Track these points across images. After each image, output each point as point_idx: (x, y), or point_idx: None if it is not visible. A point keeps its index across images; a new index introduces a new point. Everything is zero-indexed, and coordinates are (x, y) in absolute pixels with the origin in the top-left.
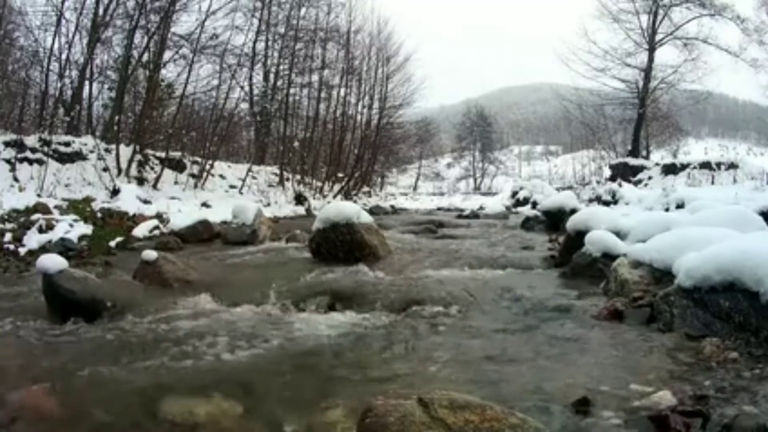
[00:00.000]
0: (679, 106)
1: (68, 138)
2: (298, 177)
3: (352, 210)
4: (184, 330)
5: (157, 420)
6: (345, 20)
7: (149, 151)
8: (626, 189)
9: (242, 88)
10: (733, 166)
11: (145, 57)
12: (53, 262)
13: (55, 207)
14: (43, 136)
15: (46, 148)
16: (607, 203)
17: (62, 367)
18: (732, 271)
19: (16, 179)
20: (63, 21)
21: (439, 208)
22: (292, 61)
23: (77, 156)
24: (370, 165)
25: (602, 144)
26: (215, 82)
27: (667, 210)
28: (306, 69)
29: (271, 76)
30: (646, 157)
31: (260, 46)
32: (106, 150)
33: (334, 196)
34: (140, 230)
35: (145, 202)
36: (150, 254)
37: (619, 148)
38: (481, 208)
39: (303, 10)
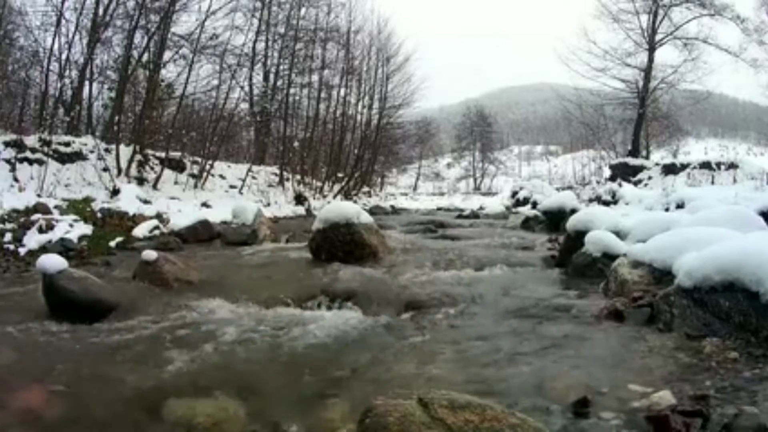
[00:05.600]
0: (679, 106)
1: (68, 138)
2: (298, 177)
3: (352, 210)
4: (184, 330)
5: (157, 420)
6: (345, 20)
7: (149, 151)
8: (626, 189)
9: (242, 88)
10: (733, 166)
11: (145, 57)
12: (53, 262)
13: (55, 207)
14: (43, 136)
15: (46, 148)
16: (607, 203)
17: (62, 367)
18: (732, 271)
19: (16, 179)
20: (63, 21)
21: (439, 208)
22: (292, 61)
23: (77, 156)
24: (370, 165)
25: (602, 144)
26: (215, 82)
27: (667, 210)
28: (306, 69)
29: (271, 76)
30: (646, 157)
31: (260, 46)
32: (106, 150)
33: (334, 196)
34: (140, 230)
35: (145, 202)
36: (150, 254)
37: (619, 148)
38: (481, 208)
39: (303, 10)
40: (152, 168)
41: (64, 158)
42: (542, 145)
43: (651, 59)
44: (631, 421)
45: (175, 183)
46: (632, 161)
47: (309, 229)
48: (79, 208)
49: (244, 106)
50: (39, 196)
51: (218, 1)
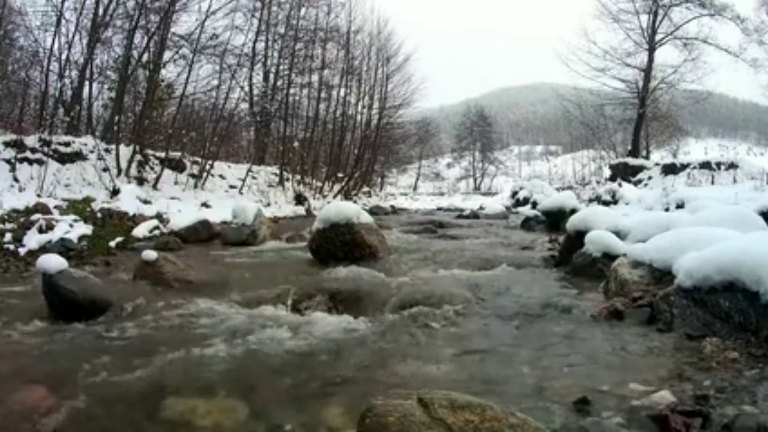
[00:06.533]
0: (679, 106)
1: (68, 138)
2: (298, 177)
3: (352, 210)
4: (184, 330)
5: (157, 420)
6: (345, 20)
7: (149, 151)
8: (626, 189)
9: (242, 88)
10: (733, 166)
11: (145, 57)
12: (53, 262)
13: (55, 207)
14: (43, 136)
15: (46, 148)
16: (607, 203)
17: (62, 367)
18: (732, 271)
19: (16, 179)
20: (63, 21)
21: (439, 208)
22: (292, 61)
23: (77, 156)
24: (370, 165)
25: (602, 144)
26: (215, 82)
27: (667, 210)
28: (306, 69)
29: (271, 76)
30: (646, 157)
31: (260, 46)
32: (106, 150)
33: (334, 196)
34: (140, 230)
35: (145, 202)
36: (150, 254)
37: (619, 148)
38: (481, 208)
39: (303, 10)
40: (152, 168)
41: (64, 158)
42: (542, 145)
43: (651, 59)
44: (631, 420)
45: (175, 183)
46: (632, 161)
47: (309, 229)
48: (79, 208)
49: (244, 106)
50: (39, 196)
51: (218, 1)
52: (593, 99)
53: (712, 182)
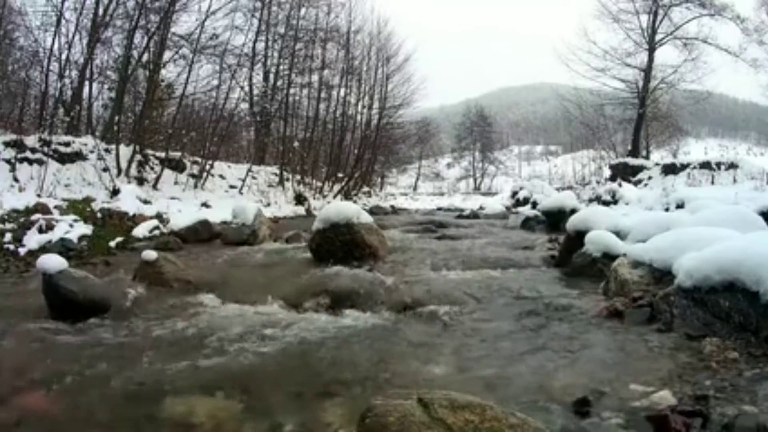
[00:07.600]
0: (679, 106)
1: (68, 138)
2: (298, 177)
3: (352, 210)
4: (184, 330)
5: (157, 420)
6: (345, 20)
7: (149, 151)
8: (626, 189)
9: (242, 88)
10: (733, 166)
11: (145, 57)
12: (53, 262)
13: (55, 207)
14: (43, 136)
15: (46, 148)
16: (607, 203)
17: (62, 367)
18: (732, 271)
19: (16, 179)
20: (63, 21)
21: (439, 208)
22: (292, 61)
23: (77, 156)
24: (370, 165)
25: (602, 144)
26: (215, 82)
27: (667, 210)
28: (306, 69)
29: (271, 76)
30: (646, 157)
31: (260, 46)
32: (106, 150)
33: (334, 196)
34: (140, 230)
35: (145, 202)
36: (150, 254)
37: (619, 148)
38: (481, 208)
39: (303, 10)
40: (152, 168)
41: (64, 158)
42: (542, 145)
43: (651, 59)
44: (631, 420)
45: (175, 183)
46: (632, 161)
47: (309, 229)
48: (79, 208)
49: (244, 106)
50: (39, 196)
51: (218, 1)
52: (593, 99)
53: (712, 182)
